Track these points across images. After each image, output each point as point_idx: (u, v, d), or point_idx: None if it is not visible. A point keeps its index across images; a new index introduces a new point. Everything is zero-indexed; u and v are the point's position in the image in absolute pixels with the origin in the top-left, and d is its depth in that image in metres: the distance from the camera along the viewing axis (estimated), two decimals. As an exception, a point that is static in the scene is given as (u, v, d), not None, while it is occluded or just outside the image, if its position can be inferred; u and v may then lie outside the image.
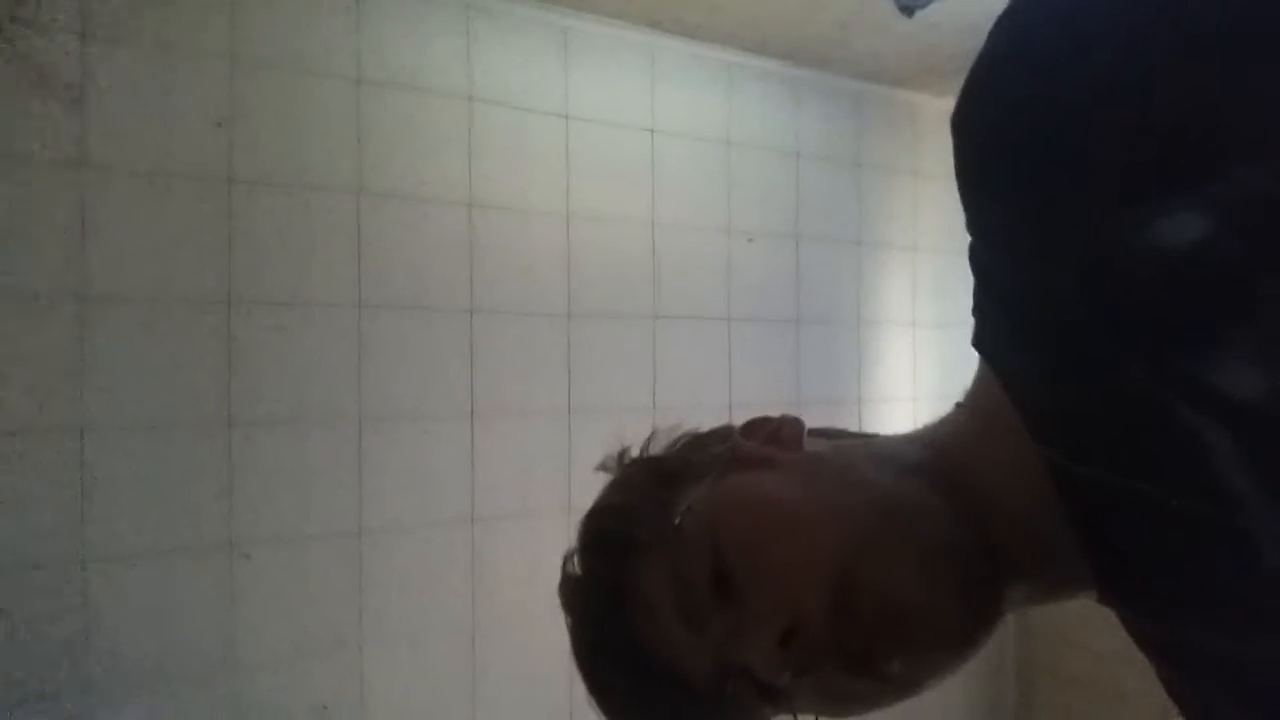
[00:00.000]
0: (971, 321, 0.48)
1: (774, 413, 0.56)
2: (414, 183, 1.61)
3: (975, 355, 0.49)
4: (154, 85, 1.39)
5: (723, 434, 0.56)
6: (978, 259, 0.44)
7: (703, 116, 1.98)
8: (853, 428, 0.61)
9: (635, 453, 0.58)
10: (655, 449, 0.57)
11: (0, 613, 1.25)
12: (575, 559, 0.54)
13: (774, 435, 0.53)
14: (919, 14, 1.76)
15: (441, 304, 1.64)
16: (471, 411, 1.66)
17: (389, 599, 1.56)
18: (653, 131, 1.90)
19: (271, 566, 1.46)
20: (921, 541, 0.44)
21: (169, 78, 1.40)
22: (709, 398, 1.94)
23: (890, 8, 1.72)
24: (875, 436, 0.56)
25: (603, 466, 0.58)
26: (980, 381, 0.48)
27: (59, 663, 1.29)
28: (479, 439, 1.66)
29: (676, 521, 0.49)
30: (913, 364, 2.31)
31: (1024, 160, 0.38)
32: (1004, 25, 0.39)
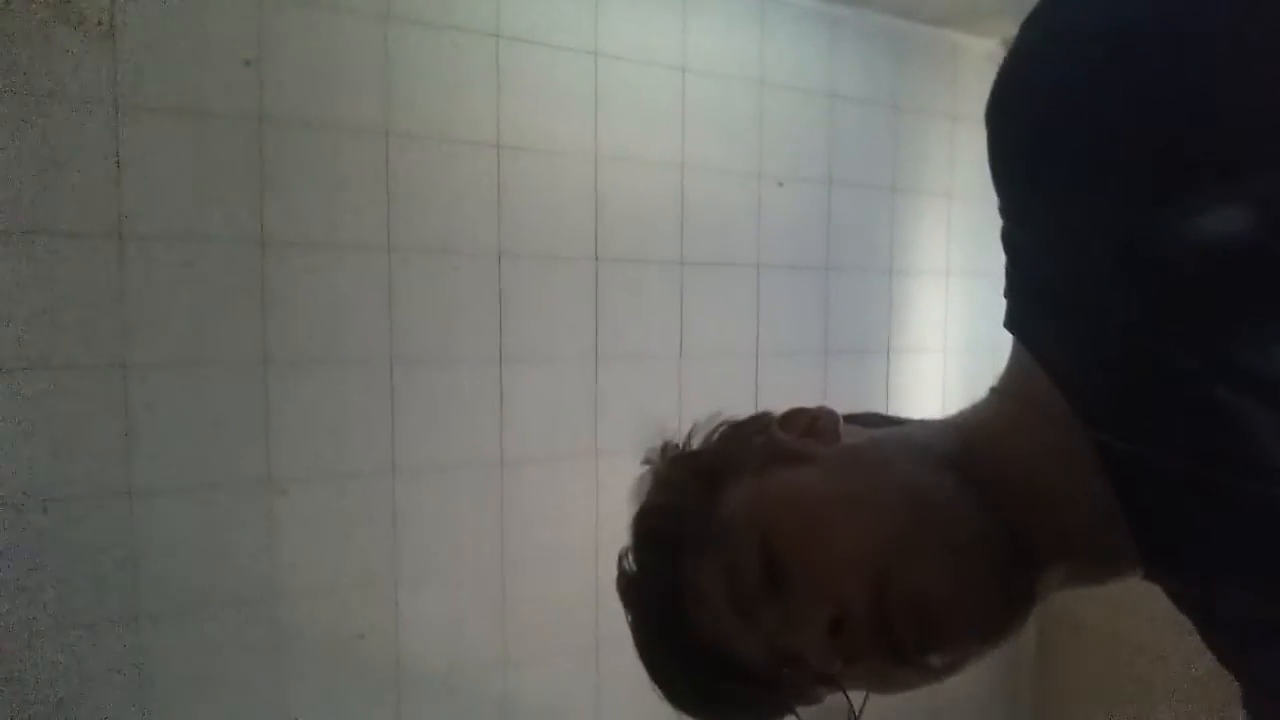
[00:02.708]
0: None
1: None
2: (442, 123, 1.60)
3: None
4: (184, 21, 1.38)
5: (760, 423, 0.57)
6: (1011, 243, 0.45)
7: (735, 55, 1.93)
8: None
9: (677, 446, 0.59)
10: (695, 442, 0.59)
11: (54, 543, 1.31)
12: (630, 557, 0.57)
13: (811, 427, 0.54)
14: (964, -53, 1.68)
15: (470, 247, 1.64)
16: (500, 354, 1.68)
17: (422, 535, 1.61)
18: (684, 70, 1.86)
19: (309, 502, 1.51)
20: (954, 537, 0.46)
21: (199, 13, 1.39)
22: (736, 344, 1.94)
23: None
24: (909, 423, 0.57)
25: (646, 460, 0.60)
26: (1016, 366, 0.49)
27: (109, 591, 1.35)
28: (507, 382, 1.68)
29: (723, 518, 0.51)
30: (944, 314, 2.28)
31: (1063, 153, 0.38)
32: (1039, 17, 0.39)
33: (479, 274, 1.65)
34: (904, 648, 0.45)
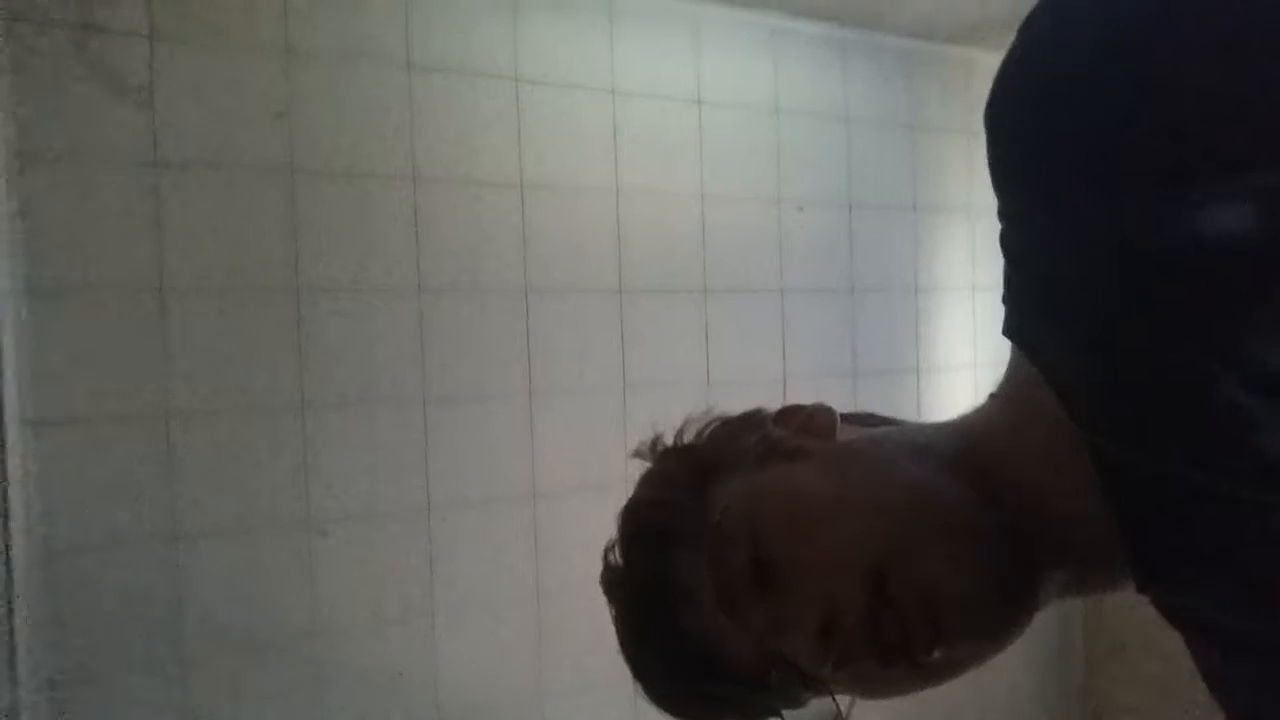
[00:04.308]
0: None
1: (808, 399, 0.56)
2: (467, 166, 1.64)
3: None
4: (216, 81, 1.44)
5: (755, 421, 0.56)
6: (1010, 245, 0.45)
7: (749, 85, 1.96)
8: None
9: (669, 440, 0.58)
10: (688, 437, 0.58)
11: (103, 588, 1.35)
12: (616, 550, 0.56)
13: (807, 424, 0.53)
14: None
15: (497, 285, 1.67)
16: (530, 389, 1.70)
17: (459, 571, 1.62)
18: (700, 103, 1.89)
19: (348, 541, 1.53)
20: (958, 535, 0.44)
21: (229, 73, 1.45)
22: (763, 371, 1.94)
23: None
24: (906, 424, 0.56)
25: (637, 454, 0.59)
26: (1014, 370, 0.48)
27: (155, 632, 1.38)
28: (538, 416, 1.70)
29: (717, 517, 0.50)
30: (973, 330, 2.26)
31: (1062, 150, 0.38)
32: (1037, 18, 0.40)
33: (507, 311, 1.68)
34: (899, 647, 0.44)
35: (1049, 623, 2.37)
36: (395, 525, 1.58)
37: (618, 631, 0.55)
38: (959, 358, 2.24)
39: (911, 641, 0.44)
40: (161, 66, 1.39)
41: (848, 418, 0.56)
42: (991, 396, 0.50)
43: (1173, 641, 0.45)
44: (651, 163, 1.83)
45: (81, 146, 1.34)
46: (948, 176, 2.23)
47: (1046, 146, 0.39)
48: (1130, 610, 2.28)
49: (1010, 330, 0.47)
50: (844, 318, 2.07)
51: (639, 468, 0.60)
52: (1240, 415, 0.35)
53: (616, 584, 0.56)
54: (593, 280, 1.77)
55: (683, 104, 1.88)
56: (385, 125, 1.58)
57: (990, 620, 0.45)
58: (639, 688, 0.54)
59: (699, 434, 0.57)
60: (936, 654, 0.44)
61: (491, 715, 1.66)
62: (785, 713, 0.51)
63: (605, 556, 0.56)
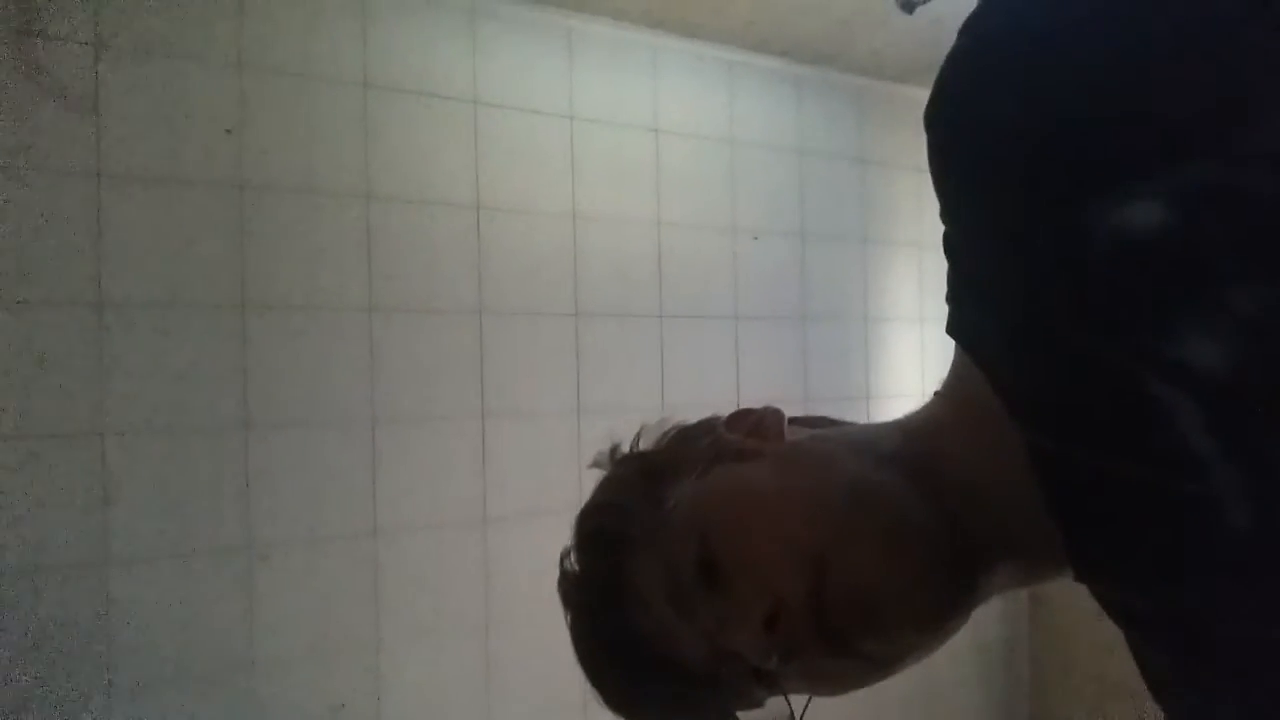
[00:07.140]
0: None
1: (757, 405, 0.57)
2: (421, 186, 1.63)
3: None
4: (165, 93, 1.41)
5: (709, 426, 0.57)
6: (951, 247, 0.46)
7: (706, 115, 1.99)
8: (853, 418, 0.62)
9: (626, 449, 0.59)
10: (645, 444, 0.59)
11: (25, 614, 1.28)
12: (571, 556, 0.56)
13: (757, 427, 0.55)
14: (919, 10, 1.76)
15: (451, 306, 1.66)
16: (482, 412, 1.68)
17: (404, 598, 1.59)
18: (657, 131, 1.92)
19: (289, 567, 1.48)
20: (890, 527, 0.46)
21: (179, 86, 1.42)
22: (717, 396, 1.95)
23: (890, 4, 1.73)
24: (854, 425, 0.58)
25: (595, 463, 0.60)
26: (956, 368, 0.50)
27: (83, 663, 1.31)
28: (490, 439, 1.68)
29: (665, 516, 0.51)
30: (920, 360, 2.32)
31: (996, 151, 0.40)
32: (975, 23, 0.41)
33: (460, 332, 1.66)
34: (839, 637, 0.45)
35: (996, 639, 2.41)
36: (339, 550, 1.53)
37: (572, 637, 0.55)
38: (908, 386, 2.28)
39: (846, 632, 0.45)
40: (106, 76, 1.36)
41: (797, 420, 0.57)
42: (936, 394, 0.52)
43: (1113, 664, 0.47)
44: (608, 188, 1.84)
45: (18, 154, 1.29)
46: (897, 210, 2.29)
47: (977, 148, 0.41)
48: (1075, 634, 2.33)
49: (952, 328, 0.48)
50: (796, 345, 2.10)
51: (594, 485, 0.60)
52: (1160, 406, 0.37)
53: (571, 590, 0.56)
54: (548, 303, 1.76)
55: (640, 132, 1.90)
56: (339, 144, 1.56)
57: (920, 611, 0.46)
58: (596, 695, 0.54)
59: (656, 442, 0.59)
60: (869, 644, 0.45)
61: (436, 747, 1.62)
62: (748, 716, 0.51)
63: (561, 562, 0.57)
